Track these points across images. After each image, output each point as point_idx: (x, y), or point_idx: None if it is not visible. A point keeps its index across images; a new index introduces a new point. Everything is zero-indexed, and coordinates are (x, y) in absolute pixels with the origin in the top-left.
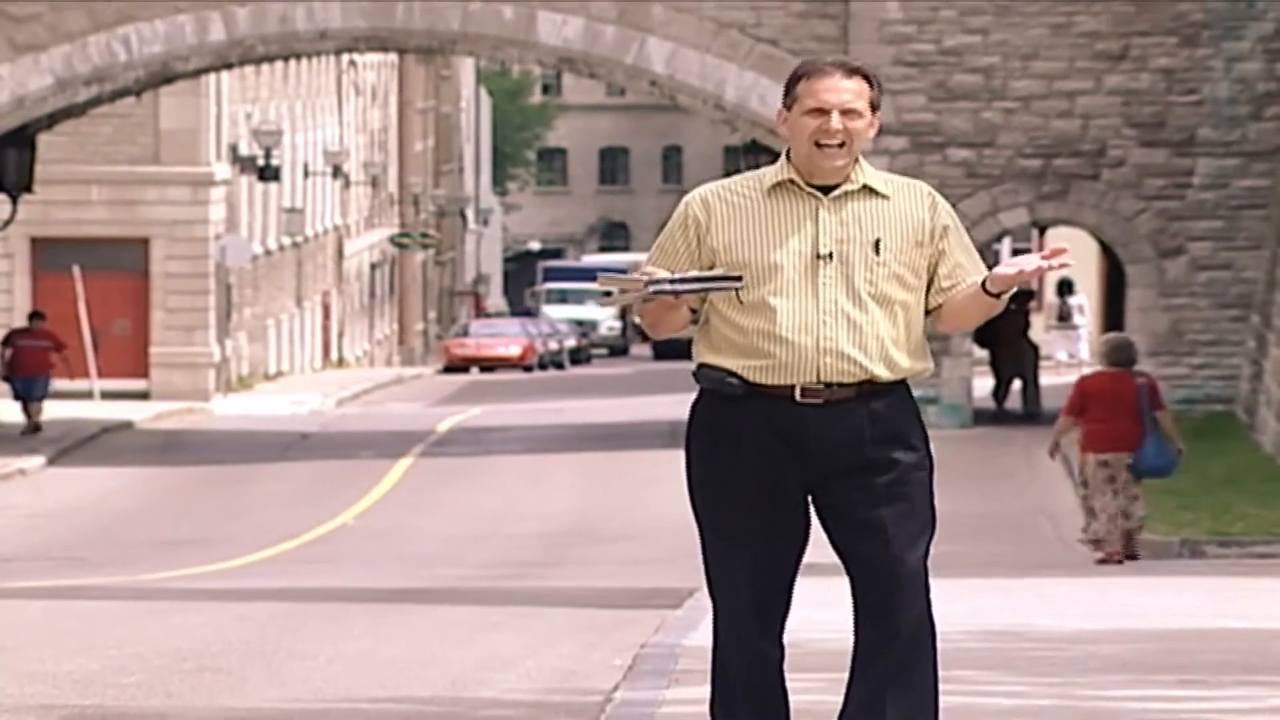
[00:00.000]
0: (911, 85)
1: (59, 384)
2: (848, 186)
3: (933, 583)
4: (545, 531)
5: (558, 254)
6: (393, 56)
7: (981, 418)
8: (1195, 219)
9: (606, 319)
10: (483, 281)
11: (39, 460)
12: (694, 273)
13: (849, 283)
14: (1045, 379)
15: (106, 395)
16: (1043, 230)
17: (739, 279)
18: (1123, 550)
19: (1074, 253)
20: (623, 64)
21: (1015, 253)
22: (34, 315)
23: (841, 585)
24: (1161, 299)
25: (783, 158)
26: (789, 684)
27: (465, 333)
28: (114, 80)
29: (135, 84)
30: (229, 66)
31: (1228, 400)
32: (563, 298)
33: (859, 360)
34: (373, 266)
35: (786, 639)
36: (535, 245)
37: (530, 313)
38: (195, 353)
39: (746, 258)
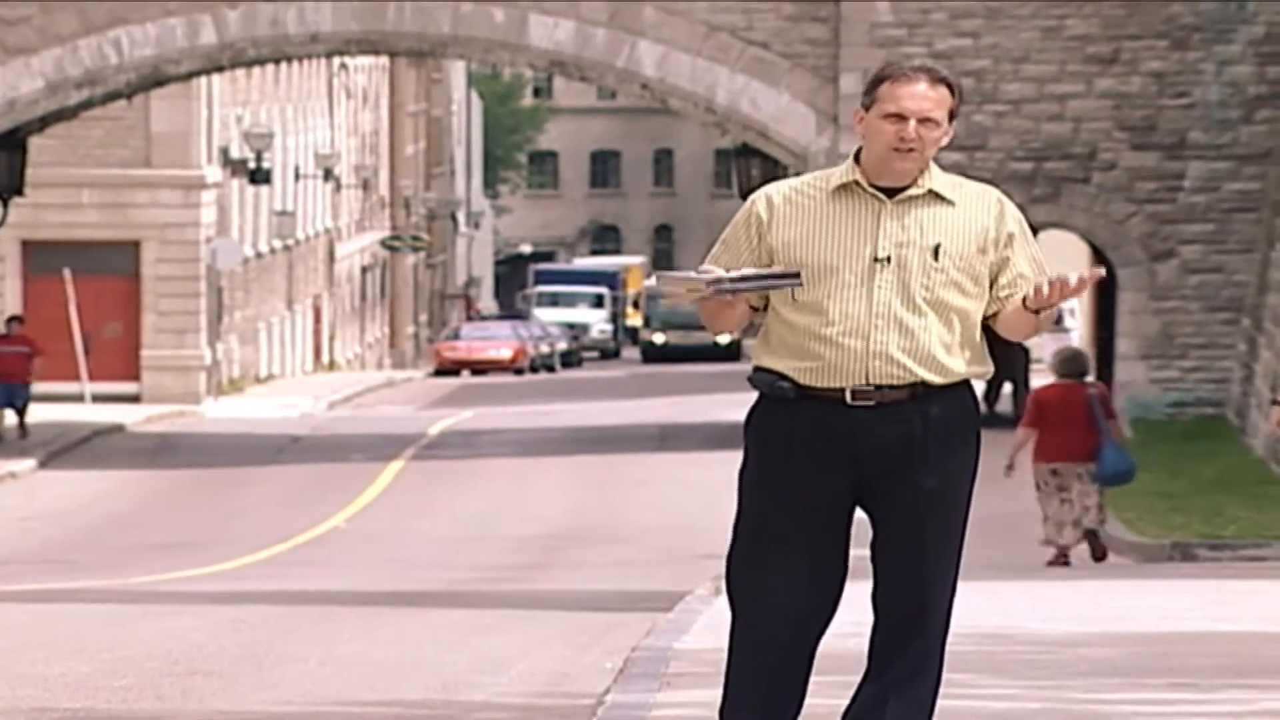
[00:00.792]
0: None
1: (48, 386)
2: (913, 191)
3: None
4: (536, 534)
5: (549, 257)
6: (384, 59)
7: None
8: (1186, 222)
9: (598, 322)
10: (474, 284)
11: (30, 463)
12: (753, 270)
13: (904, 287)
14: (1036, 382)
15: (97, 398)
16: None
17: (797, 276)
18: (1091, 554)
19: (1065, 256)
20: (614, 67)
21: None
22: (12, 320)
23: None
24: (1152, 302)
25: (850, 159)
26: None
27: (456, 336)
28: (105, 83)
29: (126, 87)
30: (220, 69)
31: (1219, 403)
32: (554, 301)
33: (907, 365)
34: (364, 269)
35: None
36: (526, 248)
37: (521, 316)
38: (186, 356)
39: (804, 257)
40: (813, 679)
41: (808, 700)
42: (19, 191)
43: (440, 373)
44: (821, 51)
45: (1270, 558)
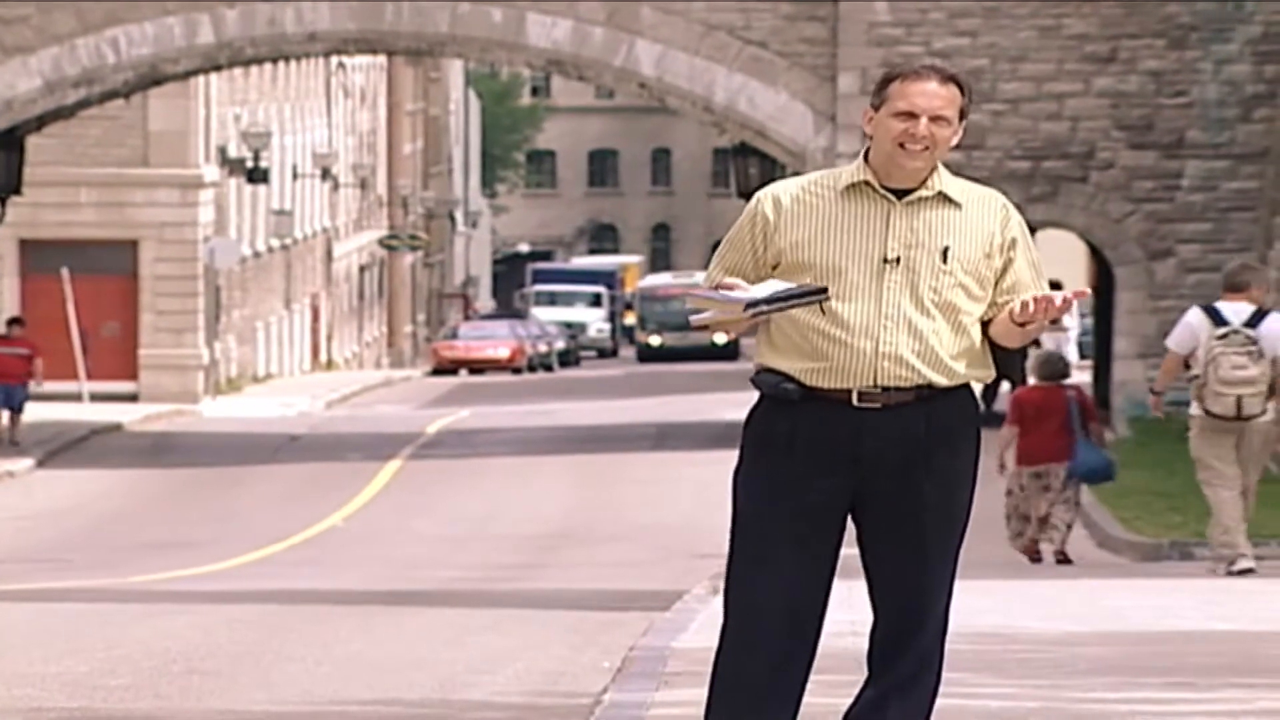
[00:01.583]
0: None
1: (46, 385)
2: (923, 192)
3: None
4: (534, 533)
5: (547, 256)
6: (381, 59)
7: None
8: (1184, 221)
9: (595, 321)
10: (471, 284)
11: (28, 462)
12: (782, 288)
13: (913, 289)
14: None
15: (95, 397)
16: (1032, 232)
17: (825, 291)
18: (1055, 555)
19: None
20: (611, 66)
21: None
22: (13, 321)
23: (849, 585)
24: (1150, 301)
25: (859, 158)
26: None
27: (454, 335)
28: (103, 82)
29: (124, 86)
30: (218, 68)
31: None
32: (551, 300)
33: (916, 366)
34: (361, 269)
35: None
36: (524, 247)
37: (519, 315)
38: (184, 355)
39: (813, 258)
40: (812, 679)
41: (806, 699)
42: (17, 191)
43: (438, 372)
44: (819, 51)
45: (1268, 557)
